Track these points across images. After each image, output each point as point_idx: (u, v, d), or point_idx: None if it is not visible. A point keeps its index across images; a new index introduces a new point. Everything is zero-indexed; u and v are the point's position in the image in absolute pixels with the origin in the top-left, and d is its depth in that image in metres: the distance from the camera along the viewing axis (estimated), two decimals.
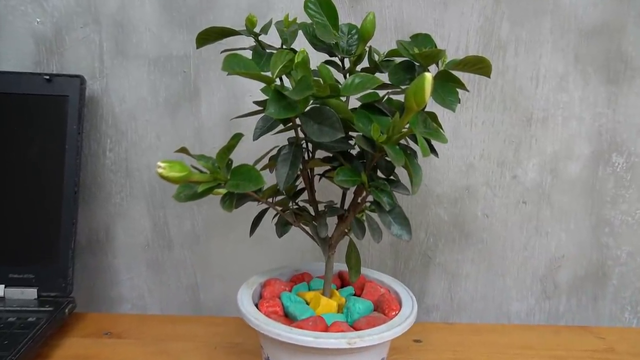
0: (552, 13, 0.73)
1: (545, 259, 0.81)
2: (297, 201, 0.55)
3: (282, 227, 0.54)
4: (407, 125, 0.45)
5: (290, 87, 0.49)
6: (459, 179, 0.78)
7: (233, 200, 0.44)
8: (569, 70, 0.74)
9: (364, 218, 0.55)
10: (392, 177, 0.49)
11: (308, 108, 0.45)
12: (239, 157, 0.75)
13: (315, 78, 0.54)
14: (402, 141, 0.50)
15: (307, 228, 0.54)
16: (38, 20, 0.72)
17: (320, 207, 0.55)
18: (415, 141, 0.47)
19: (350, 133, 0.50)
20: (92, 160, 0.76)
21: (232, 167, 0.45)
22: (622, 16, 0.73)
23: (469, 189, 0.79)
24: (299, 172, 0.51)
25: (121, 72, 0.74)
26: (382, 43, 0.74)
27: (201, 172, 0.43)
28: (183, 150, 0.46)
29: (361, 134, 0.45)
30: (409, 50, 0.46)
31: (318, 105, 0.45)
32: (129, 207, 0.78)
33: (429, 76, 0.39)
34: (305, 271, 0.62)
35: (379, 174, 0.50)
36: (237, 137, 0.44)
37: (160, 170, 0.38)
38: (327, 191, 0.75)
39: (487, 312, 0.83)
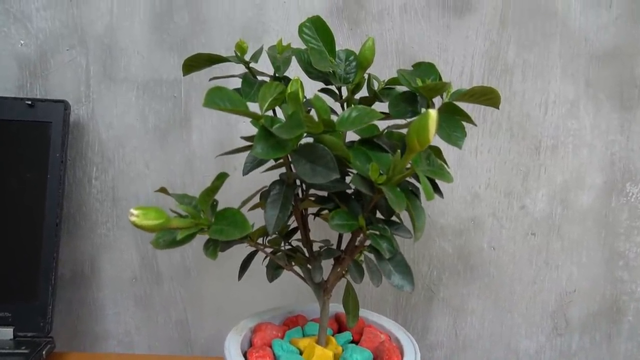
0: (561, 36, 0.69)
1: (556, 293, 0.77)
2: (289, 241, 0.51)
3: (273, 271, 0.50)
4: (408, 164, 0.41)
5: (283, 117, 0.46)
6: (463, 209, 0.74)
7: (217, 247, 0.40)
8: (580, 96, 0.71)
9: (362, 259, 0.51)
10: (392, 218, 0.45)
11: (300, 144, 0.41)
12: (228, 192, 0.71)
13: (308, 108, 0.50)
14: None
15: (300, 271, 0.50)
16: (22, 42, 0.69)
17: (315, 248, 0.51)
18: (417, 178, 0.43)
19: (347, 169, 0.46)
20: (77, 189, 0.72)
21: (217, 209, 0.41)
22: (634, 39, 0.69)
23: (475, 220, 0.75)
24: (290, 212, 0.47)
25: (108, 96, 0.70)
26: (382, 67, 0.71)
27: (182, 215, 0.39)
28: (162, 190, 0.42)
29: (358, 173, 0.41)
30: (410, 82, 0.42)
31: (311, 142, 0.41)
32: (116, 238, 0.74)
33: (433, 114, 0.35)
34: (299, 313, 0.58)
35: (378, 213, 0.46)
36: (221, 178, 0.40)
37: (133, 219, 0.34)
38: (323, 228, 0.71)
39: (494, 350, 0.78)
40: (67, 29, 0.68)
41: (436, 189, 0.45)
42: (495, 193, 0.74)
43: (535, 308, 0.77)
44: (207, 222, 0.40)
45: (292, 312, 0.58)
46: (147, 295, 0.76)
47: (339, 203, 0.43)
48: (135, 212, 0.34)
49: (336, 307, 0.60)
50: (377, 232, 0.42)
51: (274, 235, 0.52)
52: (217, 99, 0.37)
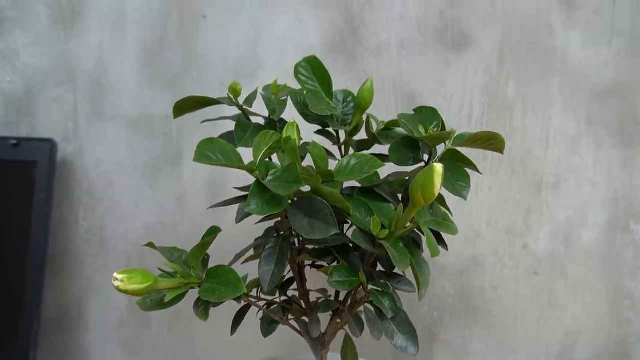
0: (561, 72, 0.68)
1: (560, 334, 0.74)
2: (285, 292, 0.48)
3: (267, 326, 0.47)
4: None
5: (279, 162, 0.43)
6: (464, 248, 0.72)
7: (208, 307, 0.38)
8: (581, 132, 0.69)
9: (362, 309, 0.48)
10: (395, 270, 0.43)
11: (296, 197, 0.39)
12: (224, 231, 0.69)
13: (303, 154, 0.48)
14: None
15: (297, 324, 0.47)
16: (8, 79, 0.67)
17: (312, 298, 0.48)
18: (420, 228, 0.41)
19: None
20: (63, 229, 0.69)
21: (209, 265, 0.39)
22: (635, 75, 0.68)
23: (476, 259, 0.72)
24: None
25: (97, 133, 0.68)
26: (379, 103, 0.69)
27: (169, 274, 0.37)
28: (150, 245, 0.39)
29: (358, 226, 0.39)
30: (413, 130, 0.40)
31: (308, 192, 0.39)
32: (103, 279, 0.71)
33: (439, 169, 0.33)
34: None
35: (379, 265, 0.44)
36: (213, 233, 0.38)
37: (117, 284, 0.32)
38: (320, 275, 0.68)
39: None
40: (55, 65, 0.66)
41: (440, 240, 0.43)
42: (497, 231, 0.72)
43: (540, 349, 0.74)
44: (197, 279, 0.37)
45: None
46: (135, 339, 0.72)
47: (338, 257, 0.41)
48: (119, 276, 0.32)
49: (334, 356, 0.57)
50: (379, 289, 0.39)
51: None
52: (208, 151, 0.35)
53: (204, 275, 0.37)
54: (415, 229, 0.40)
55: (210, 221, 0.68)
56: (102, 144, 0.68)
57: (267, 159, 0.40)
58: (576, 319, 0.74)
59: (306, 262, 0.46)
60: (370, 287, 0.39)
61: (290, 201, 0.39)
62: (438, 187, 0.34)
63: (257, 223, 0.46)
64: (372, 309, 0.42)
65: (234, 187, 0.41)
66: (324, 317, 0.49)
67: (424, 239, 0.46)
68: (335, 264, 0.43)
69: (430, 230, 0.40)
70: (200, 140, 0.35)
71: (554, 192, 0.71)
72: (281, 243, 0.40)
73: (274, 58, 0.68)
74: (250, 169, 0.36)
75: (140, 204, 0.69)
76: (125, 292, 0.32)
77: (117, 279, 0.31)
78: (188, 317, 0.72)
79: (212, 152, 0.35)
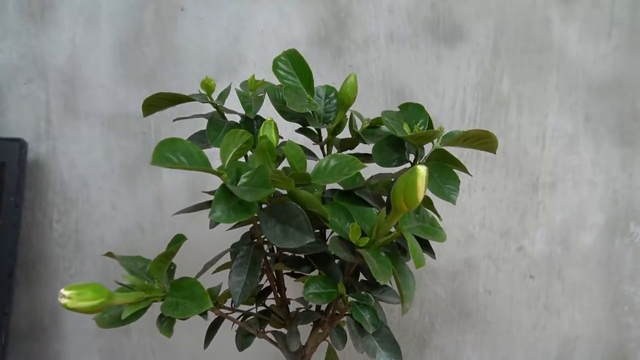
0: (558, 68, 0.65)
1: (557, 340, 0.71)
2: (263, 301, 0.45)
3: (242, 339, 0.44)
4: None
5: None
6: (457, 251, 0.69)
7: (173, 323, 0.34)
8: (579, 130, 0.66)
9: (344, 319, 0.45)
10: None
11: (269, 201, 0.36)
12: (201, 234, 0.66)
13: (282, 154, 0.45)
14: None
15: (274, 337, 0.44)
16: None
17: (293, 308, 0.45)
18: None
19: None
20: (36, 233, 0.66)
21: (174, 277, 0.35)
22: (635, 70, 0.65)
23: (469, 263, 0.69)
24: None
25: (71, 133, 0.65)
26: (368, 99, 0.66)
27: (129, 287, 0.33)
28: (109, 254, 0.36)
29: (337, 234, 0.35)
30: (396, 129, 0.37)
31: (282, 199, 0.36)
32: None
33: (423, 172, 0.30)
34: None
35: (362, 275, 0.40)
36: (178, 241, 0.35)
37: (64, 301, 0.28)
38: (300, 284, 0.65)
39: None
40: (25, 61, 0.63)
41: (427, 247, 0.40)
42: (491, 233, 0.69)
43: (536, 356, 0.71)
44: (160, 293, 0.34)
45: None
46: (114, 348, 0.69)
47: (316, 266, 0.38)
48: (66, 292, 0.28)
49: None
50: (360, 301, 0.36)
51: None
52: (169, 153, 0.32)
53: (169, 288, 0.34)
54: (400, 247, 0.37)
55: (192, 225, 0.65)
56: (76, 143, 0.65)
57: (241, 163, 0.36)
58: (574, 324, 0.71)
59: (284, 271, 0.43)
60: (350, 299, 0.36)
61: (263, 206, 0.35)
62: (422, 192, 0.31)
63: (228, 230, 0.43)
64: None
65: (203, 192, 0.38)
66: (305, 328, 0.46)
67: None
68: (316, 272, 0.40)
69: (417, 237, 0.37)
70: (160, 142, 0.31)
71: (551, 193, 0.68)
72: (254, 251, 0.37)
73: (257, 53, 0.64)
74: (216, 172, 0.33)
75: (117, 207, 0.66)
76: (74, 309, 0.29)
77: (64, 295, 0.28)
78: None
79: (174, 153, 0.32)
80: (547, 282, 0.70)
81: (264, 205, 0.36)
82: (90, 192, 0.66)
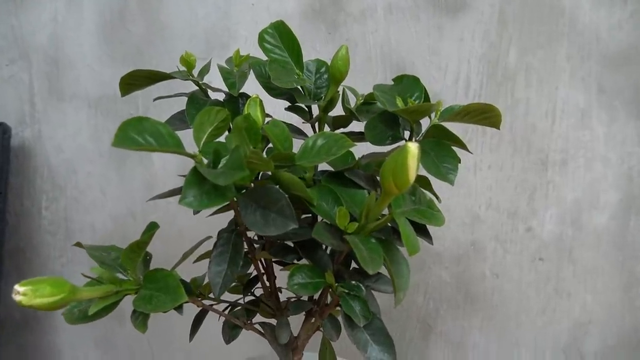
0: (569, 37, 0.61)
1: (568, 325, 0.68)
2: (252, 290, 0.43)
3: (230, 331, 0.42)
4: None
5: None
6: (462, 233, 0.66)
7: (147, 317, 0.32)
8: (592, 103, 0.62)
9: (339, 308, 0.42)
10: None
11: (251, 185, 0.33)
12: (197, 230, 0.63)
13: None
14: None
15: (263, 328, 0.41)
16: None
17: (284, 298, 0.43)
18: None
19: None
20: (25, 221, 0.64)
21: (149, 268, 0.33)
22: None
23: (475, 245, 0.66)
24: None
25: (56, 116, 0.62)
26: (366, 75, 0.62)
27: (98, 280, 0.31)
28: (78, 245, 0.34)
29: (322, 219, 0.33)
30: (387, 103, 0.34)
31: (264, 182, 0.33)
32: (71, 274, 0.65)
33: (413, 149, 0.27)
34: None
35: (353, 263, 0.38)
36: (152, 229, 0.32)
37: (19, 298, 0.26)
38: None
39: None
40: (5, 41, 0.60)
41: (424, 232, 0.37)
42: (498, 214, 0.65)
43: (546, 341, 0.69)
44: (133, 285, 0.31)
45: None
46: (110, 337, 0.67)
47: (302, 254, 0.35)
48: (21, 289, 0.26)
49: (310, 356, 0.51)
50: (349, 292, 0.33)
51: (233, 284, 0.43)
52: (134, 134, 0.29)
53: (142, 280, 0.32)
54: (393, 230, 0.34)
55: (184, 211, 0.62)
56: (62, 127, 0.62)
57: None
58: (586, 308, 0.67)
59: (274, 259, 0.41)
60: (339, 289, 0.33)
61: (244, 190, 0.33)
62: (413, 172, 0.27)
63: (209, 216, 0.40)
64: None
65: (179, 175, 0.35)
66: (298, 318, 0.43)
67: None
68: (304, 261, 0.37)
69: (412, 221, 0.34)
70: (124, 121, 0.28)
71: (561, 171, 0.64)
72: (235, 239, 0.34)
73: (248, 28, 0.61)
74: (189, 154, 0.30)
75: (107, 193, 0.64)
76: (31, 307, 0.26)
77: (18, 292, 0.26)
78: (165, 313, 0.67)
79: (140, 134, 0.29)
80: (558, 264, 0.66)
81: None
82: (79, 177, 0.63)
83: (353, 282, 0.33)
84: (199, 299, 0.39)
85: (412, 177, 0.28)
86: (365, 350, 0.32)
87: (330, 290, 0.35)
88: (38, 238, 0.64)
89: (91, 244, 0.65)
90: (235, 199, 0.32)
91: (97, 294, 0.30)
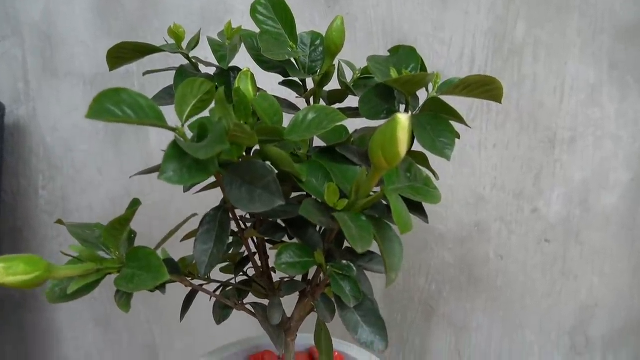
0: (580, 9, 0.58)
1: (574, 308, 0.66)
2: (244, 270, 0.42)
3: (220, 311, 0.41)
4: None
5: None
6: (466, 214, 0.64)
7: (130, 297, 0.31)
8: (603, 79, 0.60)
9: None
10: None
11: (237, 160, 0.31)
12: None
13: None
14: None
15: (254, 309, 0.40)
16: None
17: (277, 278, 0.42)
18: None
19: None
20: (22, 201, 0.63)
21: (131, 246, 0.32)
22: None
23: (479, 226, 0.65)
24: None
25: (51, 94, 0.61)
26: (366, 51, 0.60)
27: (78, 258, 0.30)
28: (59, 222, 0.33)
29: (311, 196, 0.31)
30: (379, 74, 0.32)
31: (250, 157, 0.32)
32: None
33: (403, 120, 0.25)
34: (266, 349, 0.49)
35: (346, 242, 0.36)
36: (134, 205, 0.31)
37: None
38: None
39: None
40: None
41: (419, 209, 0.35)
42: (503, 194, 0.64)
43: (551, 324, 0.67)
44: (116, 264, 0.30)
45: (259, 347, 0.49)
46: (109, 315, 0.67)
47: (291, 233, 0.34)
48: None
49: (308, 338, 0.50)
50: (339, 272, 0.32)
51: (223, 264, 0.42)
52: (111, 105, 0.27)
53: (125, 258, 0.31)
54: (385, 207, 0.32)
55: (182, 190, 0.61)
56: (58, 105, 0.61)
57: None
58: (593, 290, 0.66)
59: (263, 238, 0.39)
60: (330, 269, 0.32)
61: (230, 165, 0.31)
62: (403, 145, 0.26)
63: (197, 192, 0.39)
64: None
65: (162, 150, 0.34)
66: (292, 299, 0.42)
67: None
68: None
69: (408, 199, 0.32)
70: (101, 92, 0.27)
71: (569, 149, 0.62)
72: (221, 216, 0.33)
73: (245, 2, 0.59)
74: (170, 128, 0.29)
75: (104, 172, 0.63)
76: (4, 285, 0.25)
77: None
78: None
79: (117, 105, 0.27)
80: (564, 246, 0.65)
81: None
82: (75, 156, 0.62)
83: (344, 261, 0.32)
84: (189, 278, 0.38)
85: (402, 150, 0.26)
86: (356, 331, 0.31)
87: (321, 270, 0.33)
88: (35, 218, 0.64)
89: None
90: (217, 174, 0.31)
91: (76, 272, 0.29)
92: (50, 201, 0.63)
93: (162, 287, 0.30)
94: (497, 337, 0.68)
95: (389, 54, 0.37)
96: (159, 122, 0.29)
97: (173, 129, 0.29)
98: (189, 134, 0.32)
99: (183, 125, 0.31)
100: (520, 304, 0.67)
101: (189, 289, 0.40)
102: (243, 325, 0.62)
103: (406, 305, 0.67)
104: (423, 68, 0.35)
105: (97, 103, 0.27)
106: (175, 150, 0.28)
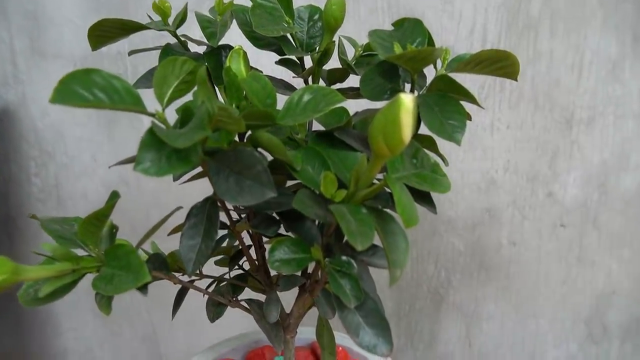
0: None
1: (591, 295, 0.64)
2: (240, 263, 0.39)
3: (214, 309, 0.38)
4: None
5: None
6: (477, 198, 0.61)
7: (111, 298, 0.28)
8: (625, 53, 0.56)
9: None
10: None
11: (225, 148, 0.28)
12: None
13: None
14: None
15: (248, 305, 0.38)
16: None
17: (274, 272, 0.39)
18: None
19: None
20: (14, 188, 0.61)
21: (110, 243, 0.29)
22: None
23: (491, 211, 0.61)
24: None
25: (40, 76, 0.58)
26: (371, 26, 0.56)
27: (50, 258, 0.27)
28: (33, 217, 0.30)
29: (305, 186, 0.28)
30: (381, 49, 0.29)
31: (241, 143, 0.29)
32: None
33: (407, 102, 0.22)
34: (266, 344, 0.47)
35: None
36: (113, 198, 0.28)
37: None
38: None
39: None
40: None
41: (426, 199, 0.32)
42: (516, 178, 0.60)
43: (566, 313, 0.64)
44: (94, 263, 0.28)
45: (258, 342, 0.47)
46: None
47: (286, 227, 0.31)
48: None
49: (310, 332, 0.48)
50: (339, 268, 0.29)
51: (218, 257, 0.40)
52: (81, 88, 0.25)
53: (105, 257, 0.28)
54: (388, 193, 0.29)
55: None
56: (47, 88, 0.58)
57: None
58: (610, 277, 0.63)
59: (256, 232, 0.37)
60: (328, 265, 0.29)
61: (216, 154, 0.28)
62: (407, 130, 0.23)
63: (183, 183, 0.36)
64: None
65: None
66: (292, 292, 0.40)
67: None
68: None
69: (411, 188, 0.29)
70: (68, 73, 0.24)
71: (587, 130, 0.58)
72: (210, 208, 0.30)
73: None
74: (149, 113, 0.26)
75: (98, 158, 0.60)
76: None
77: None
78: (163, 280, 0.64)
79: (88, 89, 0.24)
80: (581, 231, 0.61)
81: None
82: (68, 142, 0.60)
83: (344, 257, 0.29)
84: (180, 274, 0.36)
85: (406, 136, 0.23)
86: (357, 334, 0.28)
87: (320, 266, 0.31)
88: (29, 206, 0.62)
89: (83, 212, 0.61)
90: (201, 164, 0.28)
91: (49, 273, 0.26)
92: (43, 189, 0.61)
93: (143, 289, 0.28)
94: (510, 327, 0.65)
95: (392, 28, 0.34)
96: (136, 106, 0.26)
97: (152, 115, 0.27)
98: (173, 119, 0.29)
99: (164, 110, 0.28)
100: (533, 292, 0.64)
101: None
102: (246, 315, 0.60)
103: (415, 294, 0.65)
104: (430, 42, 0.32)
105: (64, 85, 0.24)
106: (153, 138, 0.25)
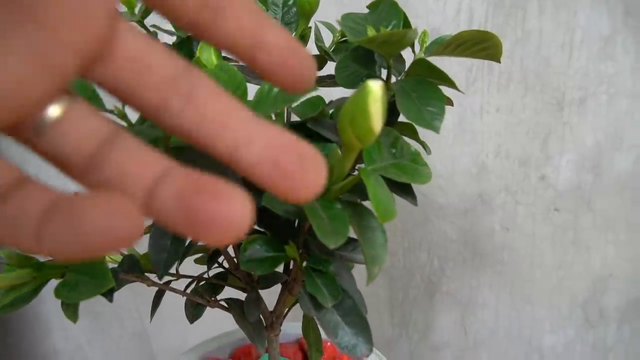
0: None
1: (587, 280, 0.62)
2: (216, 262, 0.38)
3: (192, 310, 0.37)
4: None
5: None
6: (467, 184, 0.60)
7: (77, 306, 0.27)
8: (617, 29, 0.54)
9: None
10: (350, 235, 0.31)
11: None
12: None
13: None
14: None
15: (228, 305, 0.36)
16: None
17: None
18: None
19: None
20: None
21: None
22: None
23: (482, 197, 0.60)
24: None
25: None
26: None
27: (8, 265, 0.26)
28: None
29: None
30: (351, 33, 0.27)
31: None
32: None
33: (375, 89, 0.21)
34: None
35: None
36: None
37: None
38: None
39: (512, 348, 0.65)
40: None
41: (406, 190, 0.31)
42: (508, 162, 0.59)
43: (562, 298, 0.63)
44: (57, 269, 0.27)
45: (245, 340, 0.46)
46: (98, 305, 0.64)
47: (258, 223, 0.30)
48: None
49: (297, 327, 0.47)
50: (315, 267, 0.28)
51: (197, 255, 0.38)
52: None
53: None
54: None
55: None
56: None
57: None
58: (606, 261, 0.62)
59: None
60: (304, 264, 0.28)
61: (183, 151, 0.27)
62: (377, 119, 0.21)
63: None
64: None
65: None
66: (275, 288, 0.39)
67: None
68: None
69: (390, 180, 0.28)
70: None
71: (580, 110, 0.56)
72: None
73: None
74: (109, 110, 0.25)
75: None
76: None
77: None
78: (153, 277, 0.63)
79: None
80: (575, 214, 0.60)
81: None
82: None
83: (322, 254, 0.28)
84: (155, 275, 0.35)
85: (375, 125, 0.22)
86: (336, 334, 0.27)
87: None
88: None
89: None
90: None
91: (8, 282, 0.25)
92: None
93: (108, 294, 0.26)
94: (505, 313, 0.64)
95: (367, 9, 0.32)
96: (91, 102, 0.24)
97: (110, 111, 0.25)
98: (136, 116, 0.28)
99: (124, 106, 0.26)
100: (528, 278, 0.63)
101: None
102: None
103: (407, 283, 0.63)
104: (407, 25, 0.30)
105: None
106: None
